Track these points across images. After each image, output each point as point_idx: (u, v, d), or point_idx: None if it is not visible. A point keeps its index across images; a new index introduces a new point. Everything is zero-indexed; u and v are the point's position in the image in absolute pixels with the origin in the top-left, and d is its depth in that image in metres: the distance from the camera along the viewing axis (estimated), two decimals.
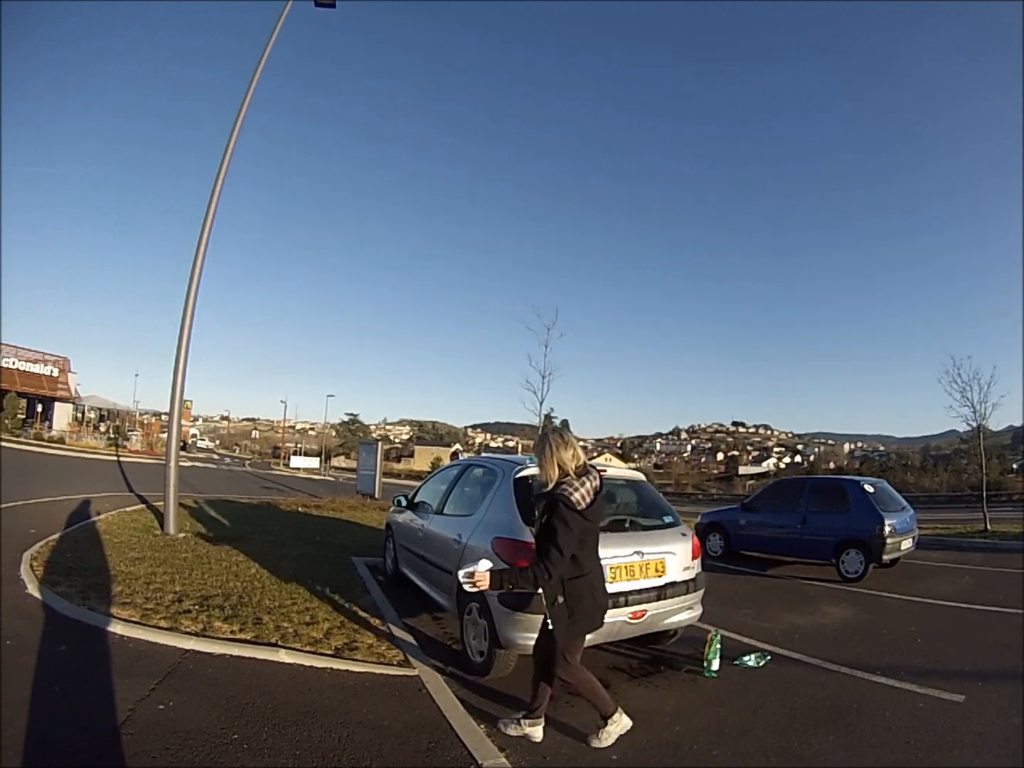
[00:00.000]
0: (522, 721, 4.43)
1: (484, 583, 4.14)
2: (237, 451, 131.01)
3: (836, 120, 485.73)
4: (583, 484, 4.24)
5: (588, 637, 5.24)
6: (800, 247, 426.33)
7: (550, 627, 4.37)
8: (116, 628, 5.84)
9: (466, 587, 4.21)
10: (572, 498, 4.12)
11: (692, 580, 6.06)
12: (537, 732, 4.42)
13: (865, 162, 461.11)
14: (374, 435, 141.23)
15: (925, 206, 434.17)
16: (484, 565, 4.27)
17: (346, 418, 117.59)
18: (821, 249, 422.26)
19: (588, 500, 4.20)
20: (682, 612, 6.02)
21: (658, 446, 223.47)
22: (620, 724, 4.43)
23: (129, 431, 64.00)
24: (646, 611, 5.54)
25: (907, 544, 11.79)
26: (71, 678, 4.76)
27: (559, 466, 4.28)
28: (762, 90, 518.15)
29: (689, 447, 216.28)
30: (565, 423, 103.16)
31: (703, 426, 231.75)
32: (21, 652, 5.15)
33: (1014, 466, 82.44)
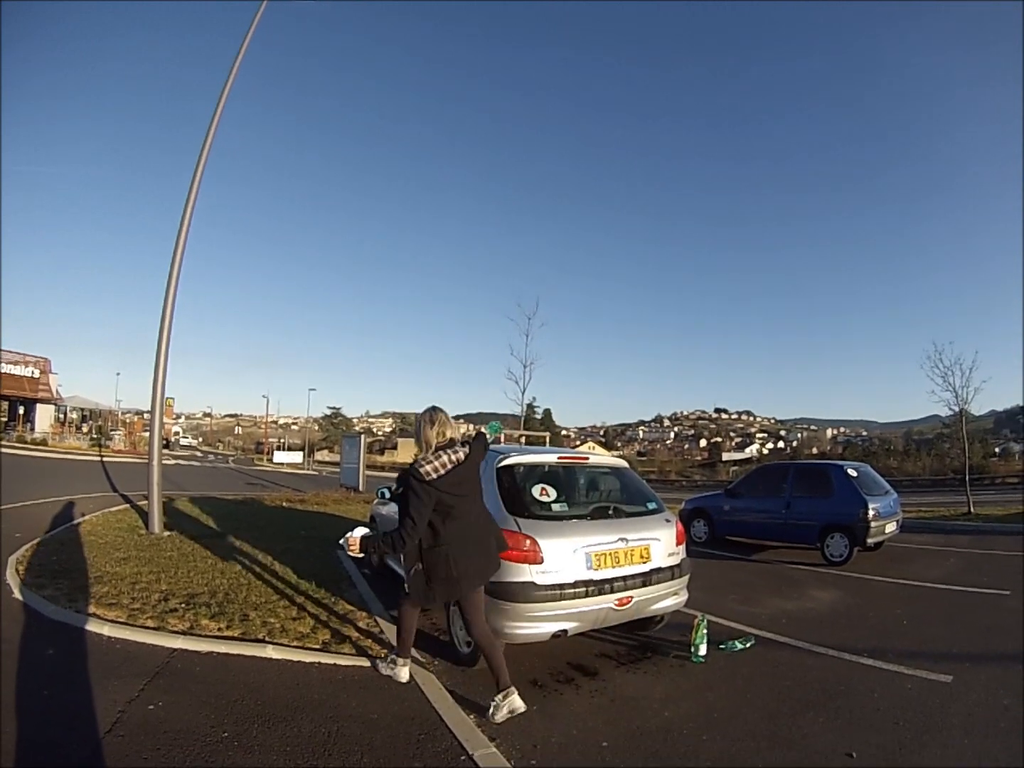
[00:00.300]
0: (498, 699, 4.54)
1: (355, 548, 4.70)
2: (220, 447, 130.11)
3: (817, 115, 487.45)
4: (438, 457, 4.62)
5: (574, 625, 5.30)
6: (781, 237, 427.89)
7: (406, 589, 5.04)
8: (103, 629, 5.82)
9: (347, 551, 4.78)
10: (421, 470, 4.52)
11: (677, 566, 6.07)
12: (516, 701, 4.53)
13: (851, 155, 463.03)
14: (357, 428, 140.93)
15: (909, 196, 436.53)
16: (358, 532, 4.78)
17: (328, 412, 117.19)
18: (802, 239, 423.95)
19: (440, 472, 4.57)
20: (668, 598, 6.03)
21: (641, 434, 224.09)
22: (406, 668, 5.18)
23: (112, 431, 63.48)
24: (632, 597, 5.55)
25: (891, 527, 11.87)
26: (60, 681, 4.73)
27: (425, 442, 4.75)
28: (750, 84, 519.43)
29: (672, 434, 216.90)
30: (548, 413, 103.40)
31: (686, 413, 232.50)
32: (9, 656, 5.11)
33: (996, 450, 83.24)
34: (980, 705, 4.95)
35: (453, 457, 4.65)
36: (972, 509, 19.42)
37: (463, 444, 4.83)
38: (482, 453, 5.10)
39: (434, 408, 4.88)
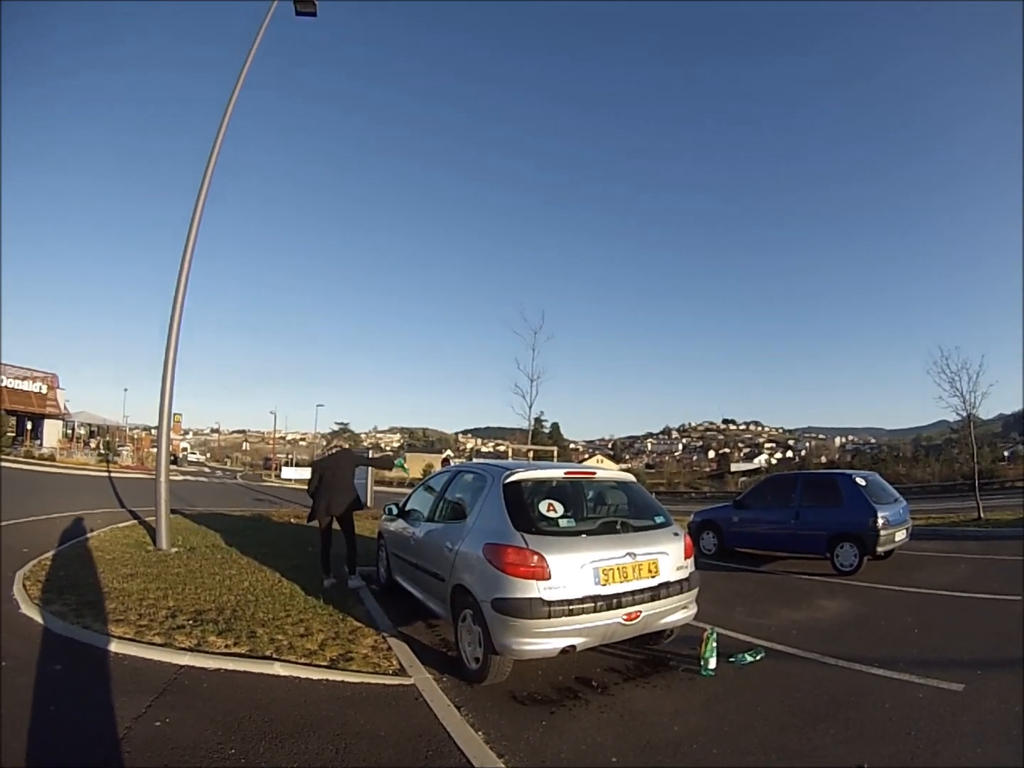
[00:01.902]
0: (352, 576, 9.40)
1: None
2: (228, 463, 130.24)
3: (819, 114, 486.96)
4: (323, 454, 14.13)
5: (583, 640, 5.27)
6: (785, 243, 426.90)
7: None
8: (110, 646, 5.82)
9: None
10: (315, 457, 12.96)
11: (686, 579, 6.03)
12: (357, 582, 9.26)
13: (850, 156, 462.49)
14: (365, 443, 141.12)
15: (911, 198, 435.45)
16: None
17: (336, 427, 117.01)
18: (807, 245, 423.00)
19: (322, 456, 12.56)
20: (677, 612, 5.99)
21: (649, 446, 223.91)
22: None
23: (119, 446, 63.55)
24: (640, 612, 5.53)
25: (901, 535, 11.82)
26: (67, 697, 4.74)
27: (328, 445, 11.83)
28: (748, 87, 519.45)
29: (680, 446, 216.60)
30: (556, 426, 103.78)
31: (694, 424, 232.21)
32: (16, 672, 5.13)
33: (1005, 454, 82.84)
34: (992, 713, 4.92)
35: (328, 454, 10.41)
36: (982, 514, 19.29)
37: (339, 448, 10.73)
38: (345, 457, 9.95)
39: (334, 432, 14.20)
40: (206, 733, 4.23)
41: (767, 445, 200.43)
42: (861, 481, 11.90)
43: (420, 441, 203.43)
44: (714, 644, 5.93)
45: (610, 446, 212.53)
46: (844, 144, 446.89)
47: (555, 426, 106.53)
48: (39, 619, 6.60)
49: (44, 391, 54.05)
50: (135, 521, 14.98)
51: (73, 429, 62.05)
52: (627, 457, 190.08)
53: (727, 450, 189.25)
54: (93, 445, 62.06)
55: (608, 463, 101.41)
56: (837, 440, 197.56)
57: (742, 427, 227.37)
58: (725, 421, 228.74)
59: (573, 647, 5.30)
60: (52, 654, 5.64)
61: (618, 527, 6.12)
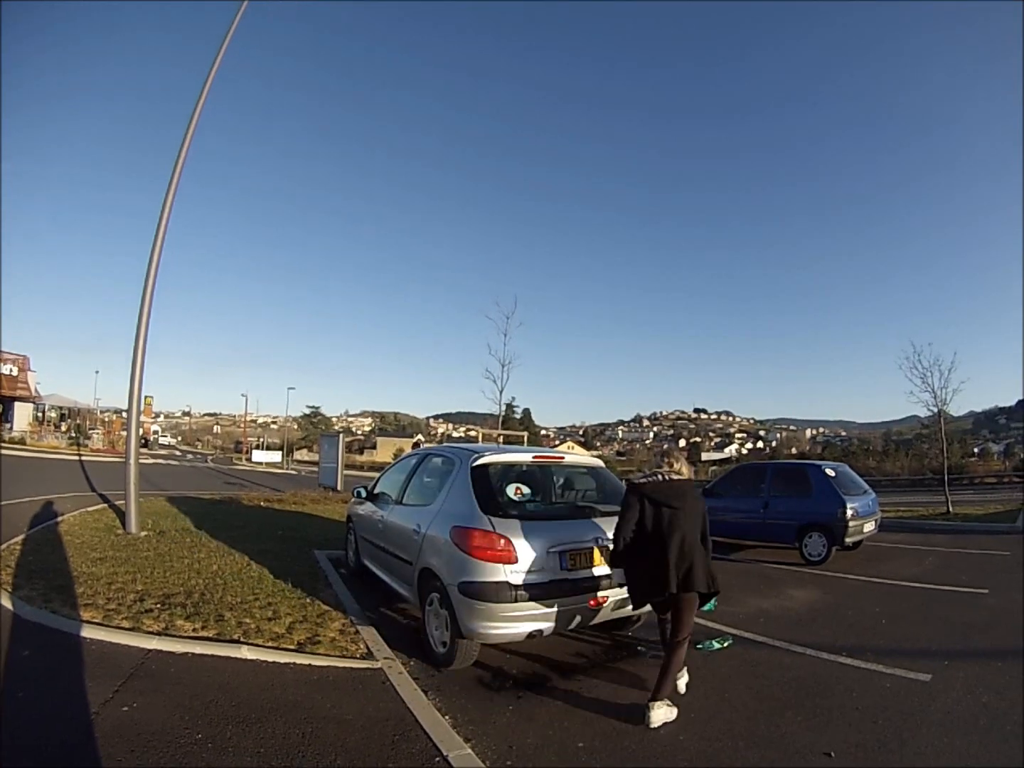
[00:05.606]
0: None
1: None
2: (199, 447, 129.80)
3: (799, 109, 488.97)
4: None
5: (549, 625, 5.32)
6: (760, 235, 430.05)
7: None
8: (78, 630, 5.75)
9: None
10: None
11: None
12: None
13: (826, 151, 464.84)
14: (336, 427, 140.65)
15: (887, 194, 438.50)
16: None
17: (307, 411, 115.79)
18: (781, 237, 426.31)
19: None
20: None
21: (620, 434, 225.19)
22: None
23: (90, 430, 63.11)
24: (607, 597, 5.55)
25: (870, 527, 11.94)
26: (35, 682, 4.68)
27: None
28: (723, 80, 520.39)
29: (651, 434, 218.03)
30: (527, 412, 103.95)
31: (665, 413, 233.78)
32: None
33: (975, 450, 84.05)
34: (959, 703, 4.98)
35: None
36: (951, 509, 19.56)
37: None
38: None
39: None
40: (173, 717, 4.20)
41: (738, 435, 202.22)
42: (830, 472, 12.02)
43: (391, 426, 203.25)
44: None
45: (581, 433, 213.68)
46: (823, 139, 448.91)
47: (526, 412, 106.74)
48: (8, 605, 6.50)
49: (14, 373, 53.26)
50: (105, 505, 14.83)
51: (44, 412, 61.40)
52: (598, 444, 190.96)
53: (698, 439, 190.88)
54: (64, 428, 61.53)
55: (579, 449, 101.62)
56: (808, 432, 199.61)
57: (713, 416, 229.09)
58: (696, 410, 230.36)
59: (540, 632, 5.31)
60: (20, 639, 5.57)
61: (586, 512, 6.14)
